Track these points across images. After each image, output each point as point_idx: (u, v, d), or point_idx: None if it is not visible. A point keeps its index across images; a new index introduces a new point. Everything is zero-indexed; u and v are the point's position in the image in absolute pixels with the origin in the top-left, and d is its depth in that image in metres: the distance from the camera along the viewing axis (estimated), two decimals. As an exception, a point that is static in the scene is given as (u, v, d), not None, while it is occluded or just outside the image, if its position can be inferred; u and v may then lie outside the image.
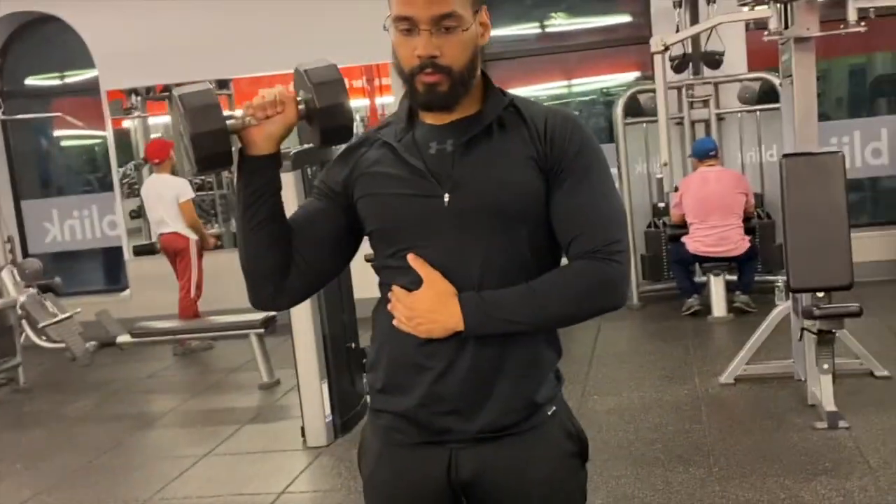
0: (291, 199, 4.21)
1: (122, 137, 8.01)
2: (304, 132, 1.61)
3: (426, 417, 1.53)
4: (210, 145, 1.47)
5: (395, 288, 1.52)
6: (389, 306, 1.53)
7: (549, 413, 1.57)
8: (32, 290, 6.09)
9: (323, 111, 1.50)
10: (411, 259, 1.50)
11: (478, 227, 1.49)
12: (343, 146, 1.63)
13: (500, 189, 1.49)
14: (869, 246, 6.82)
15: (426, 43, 1.45)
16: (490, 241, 1.50)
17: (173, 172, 6.75)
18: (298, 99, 1.52)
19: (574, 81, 8.09)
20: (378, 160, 1.55)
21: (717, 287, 6.13)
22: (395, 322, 1.52)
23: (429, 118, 1.54)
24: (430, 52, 1.45)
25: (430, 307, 1.48)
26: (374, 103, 7.97)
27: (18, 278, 6.07)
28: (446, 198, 1.49)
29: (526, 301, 1.48)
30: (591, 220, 1.50)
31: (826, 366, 4.05)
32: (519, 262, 1.51)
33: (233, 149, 1.51)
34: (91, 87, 7.87)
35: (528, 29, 7.99)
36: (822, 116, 7.43)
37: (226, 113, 1.49)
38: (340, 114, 1.53)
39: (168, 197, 6.53)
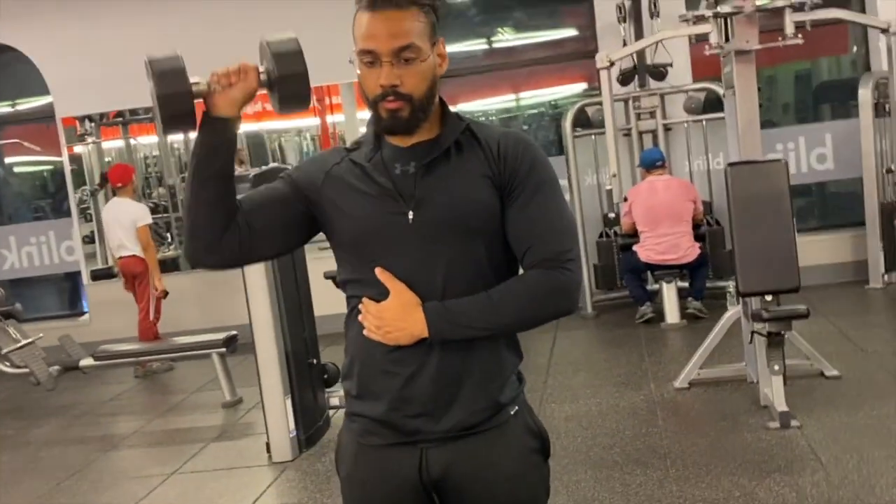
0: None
1: (76, 163, 7.99)
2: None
3: (397, 419, 1.63)
4: (175, 105, 1.58)
5: (365, 299, 1.62)
6: (360, 317, 1.63)
7: (512, 413, 1.68)
8: (-6, 317, 6.07)
9: (281, 79, 1.61)
10: (379, 272, 1.60)
11: (439, 241, 1.60)
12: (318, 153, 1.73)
13: (459, 206, 1.60)
14: (816, 250, 7.03)
15: (388, 73, 1.56)
16: (451, 254, 1.61)
17: (135, 197, 6.77)
18: (260, 69, 1.63)
19: (522, 95, 8.26)
20: (350, 175, 1.65)
21: (669, 294, 6.27)
22: (365, 332, 1.62)
23: (393, 140, 1.65)
24: (392, 82, 1.56)
25: (397, 316, 1.58)
26: (325, 121, 8.08)
27: (-22, 306, 6.05)
28: (410, 215, 1.60)
29: (485, 308, 1.59)
30: (543, 232, 1.61)
31: (777, 367, 4.16)
32: (478, 272, 1.62)
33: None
34: (44, 114, 7.85)
35: (476, 45, 8.14)
36: (768, 123, 7.69)
37: (192, 79, 1.60)
38: (298, 82, 1.63)
39: (126, 222, 6.56)
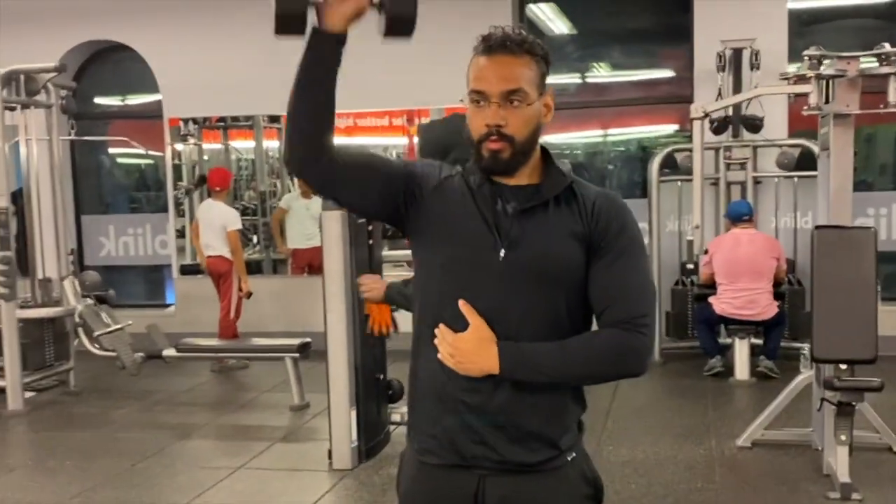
0: (337, 236, 4.45)
1: (176, 161, 8.38)
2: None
3: (459, 443, 1.71)
4: (289, 5, 1.63)
5: (442, 326, 1.70)
6: (435, 340, 1.71)
7: (570, 458, 1.75)
8: (90, 301, 6.44)
9: (394, 5, 1.66)
10: (462, 305, 1.68)
11: (523, 284, 1.68)
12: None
13: (548, 255, 1.68)
14: (901, 320, 6.84)
15: (494, 113, 1.66)
16: (532, 299, 1.68)
17: (228, 201, 7.11)
18: None
19: (612, 131, 8.22)
20: (459, 194, 1.74)
21: (741, 350, 6.17)
22: (439, 355, 1.70)
23: (498, 177, 1.74)
24: (497, 122, 1.66)
25: (472, 349, 1.66)
26: (413, 141, 8.29)
27: (78, 288, 6.42)
28: (502, 253, 1.68)
29: (557, 357, 1.66)
30: (623, 294, 1.68)
31: (844, 437, 4.08)
32: (554, 321, 1.69)
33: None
34: (151, 112, 8.28)
35: (571, 79, 8.20)
36: (863, 184, 7.51)
37: None
38: (409, 5, 1.68)
39: (217, 224, 6.90)
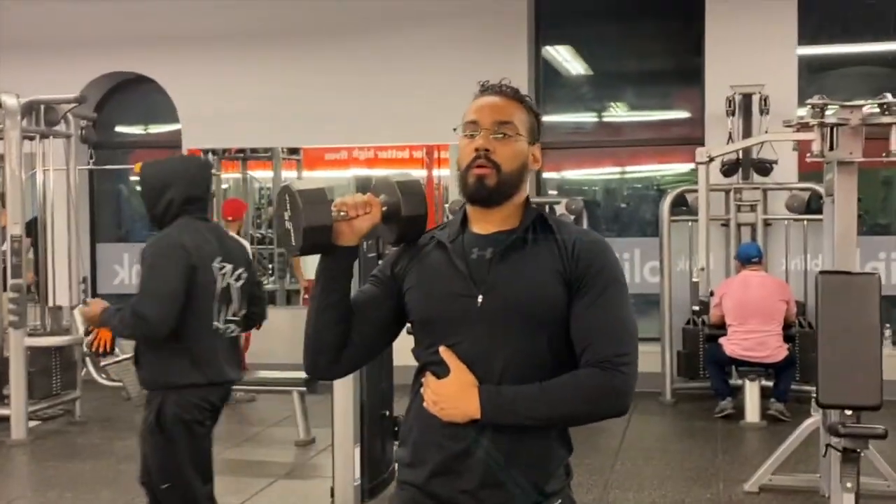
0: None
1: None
2: (378, 231, 1.87)
3: (443, 492, 1.72)
4: (319, 237, 1.73)
5: (428, 374, 1.74)
6: (422, 389, 1.75)
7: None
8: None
9: (408, 218, 1.79)
10: (442, 351, 1.72)
11: (504, 326, 1.71)
12: None
13: (528, 296, 1.71)
14: (914, 364, 6.77)
15: (484, 138, 1.74)
16: (514, 341, 1.71)
17: (239, 233, 7.15)
18: (382, 202, 1.78)
19: (626, 170, 8.31)
20: (431, 257, 1.80)
21: (751, 392, 6.14)
22: (424, 404, 1.73)
23: (476, 227, 1.79)
24: (486, 146, 1.73)
25: (454, 395, 1.69)
26: (432, 174, 8.40)
27: (87, 318, 6.46)
28: (480, 299, 1.71)
29: (537, 399, 1.67)
30: (604, 333, 1.70)
31: (850, 485, 4.02)
32: (538, 362, 1.71)
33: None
34: (171, 142, 8.41)
35: (585, 118, 8.28)
36: (877, 227, 7.50)
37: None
38: (420, 222, 1.82)
39: (229, 256, 6.90)
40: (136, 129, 9.22)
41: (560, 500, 1.76)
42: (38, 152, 6.53)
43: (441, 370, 1.73)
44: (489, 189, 1.73)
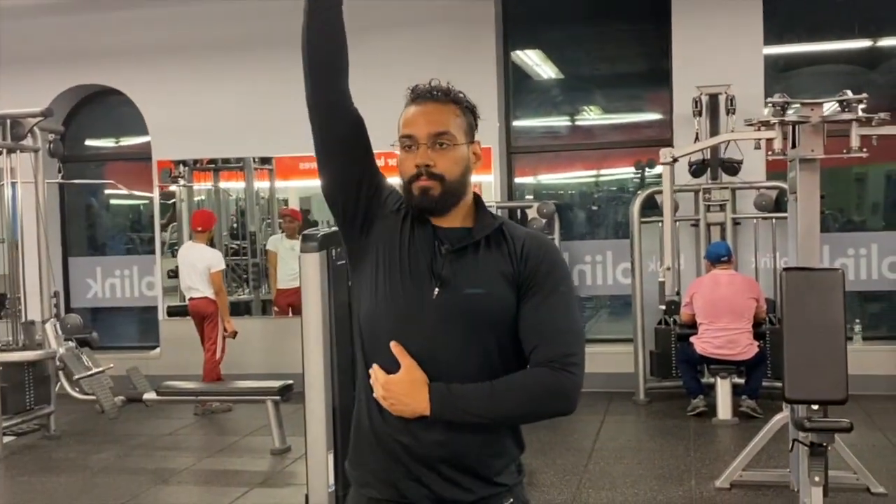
0: (315, 278, 4.48)
1: (166, 199, 8.46)
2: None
3: (395, 479, 1.74)
4: None
5: (375, 366, 1.74)
6: (371, 380, 1.75)
7: (510, 502, 1.77)
8: (71, 344, 6.46)
9: None
10: (393, 346, 1.72)
11: (455, 324, 1.72)
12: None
13: (479, 295, 1.73)
14: (883, 359, 6.89)
15: (423, 154, 1.74)
16: (463, 339, 1.72)
17: (210, 244, 7.15)
18: None
19: (598, 173, 8.35)
20: (405, 227, 1.79)
21: (723, 390, 6.20)
22: (374, 394, 1.74)
23: (432, 219, 1.79)
24: (426, 161, 1.74)
25: (404, 391, 1.70)
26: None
27: (59, 332, 6.44)
28: (435, 291, 1.73)
29: (486, 398, 1.69)
30: (552, 333, 1.72)
31: (818, 478, 4.06)
32: (487, 360, 1.73)
33: None
34: (141, 154, 8.39)
35: (555, 122, 8.33)
36: (851, 223, 7.59)
37: None
38: None
39: (200, 266, 6.93)
40: (106, 142, 9.17)
41: (512, 500, 1.77)
42: (5, 167, 6.49)
43: (383, 360, 1.73)
44: (435, 199, 1.74)
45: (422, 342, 1.72)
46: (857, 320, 7.11)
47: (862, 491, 4.60)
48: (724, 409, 6.20)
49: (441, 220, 1.78)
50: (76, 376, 6.25)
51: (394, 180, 1.88)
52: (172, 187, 8.32)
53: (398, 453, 1.73)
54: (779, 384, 6.15)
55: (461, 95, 1.81)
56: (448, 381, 1.70)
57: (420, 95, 1.78)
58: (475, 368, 1.71)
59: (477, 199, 1.83)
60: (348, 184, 1.82)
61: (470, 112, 1.81)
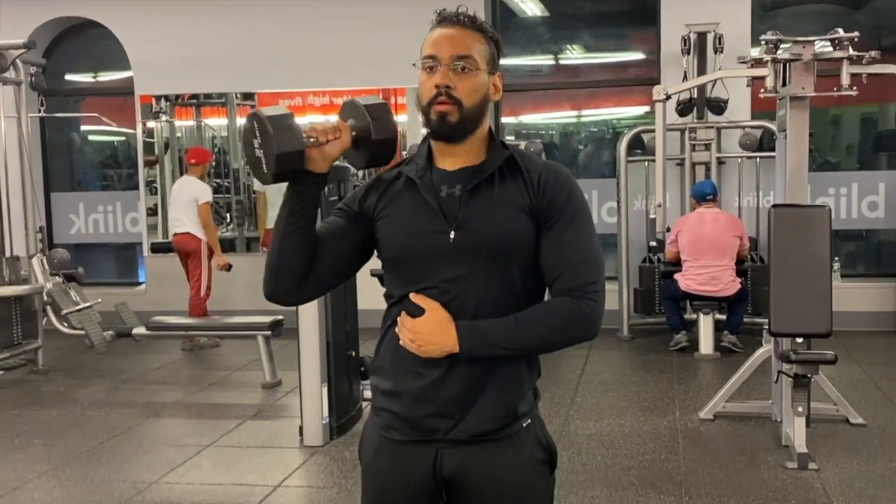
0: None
1: (149, 137, 8.35)
2: (347, 156, 1.84)
3: (418, 418, 1.78)
4: (291, 163, 1.70)
5: (403, 314, 1.76)
6: (396, 328, 1.78)
7: (525, 425, 1.82)
8: (58, 279, 6.43)
9: (378, 142, 1.77)
10: (413, 296, 1.75)
11: (476, 262, 1.74)
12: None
13: (498, 231, 1.74)
14: (861, 296, 7.05)
15: (444, 74, 1.73)
16: (486, 276, 1.75)
17: (202, 177, 7.08)
18: (351, 126, 1.77)
19: (584, 113, 8.35)
20: (401, 194, 1.81)
21: (705, 325, 6.33)
22: (400, 342, 1.76)
23: (442, 162, 1.80)
24: (446, 83, 1.73)
25: (432, 331, 1.72)
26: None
27: (46, 266, 6.40)
28: (452, 235, 1.74)
29: (512, 331, 1.72)
30: (573, 262, 1.74)
31: (801, 409, 4.21)
32: (510, 295, 1.76)
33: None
34: (123, 89, 8.24)
35: (542, 61, 8.28)
36: (828, 164, 7.68)
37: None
38: (390, 145, 1.80)
39: (187, 198, 6.85)
40: (87, 77, 8.99)
41: (529, 421, 1.83)
42: (-13, 100, 6.38)
43: (415, 309, 1.75)
44: (452, 125, 1.74)
45: (444, 284, 1.74)
46: (836, 258, 7.25)
47: (841, 422, 4.75)
48: (706, 345, 6.33)
49: (447, 160, 1.79)
50: (65, 311, 6.24)
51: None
52: (152, 123, 8.21)
53: (423, 389, 1.76)
54: (759, 320, 6.34)
55: (487, 25, 1.81)
56: (475, 318, 1.72)
57: (446, 19, 1.77)
58: (500, 304, 1.74)
59: (491, 133, 1.83)
60: (372, 244, 1.85)
61: (494, 43, 1.80)
